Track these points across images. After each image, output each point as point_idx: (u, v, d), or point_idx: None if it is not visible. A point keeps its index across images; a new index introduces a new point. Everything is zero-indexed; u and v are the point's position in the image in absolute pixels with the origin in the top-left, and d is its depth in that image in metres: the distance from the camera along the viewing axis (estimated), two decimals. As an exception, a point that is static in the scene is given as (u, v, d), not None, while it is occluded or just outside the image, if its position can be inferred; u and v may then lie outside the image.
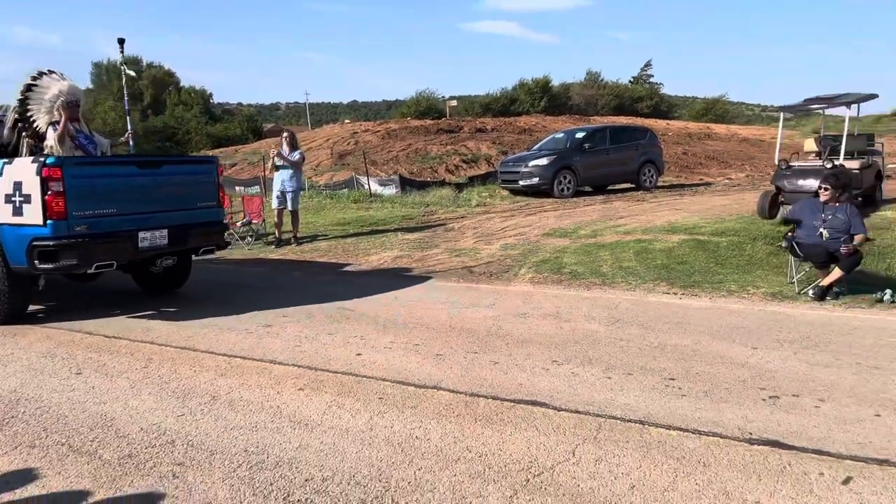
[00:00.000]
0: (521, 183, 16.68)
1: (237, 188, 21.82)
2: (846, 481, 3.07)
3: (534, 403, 4.10)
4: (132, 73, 12.45)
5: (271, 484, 3.21)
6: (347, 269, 9.29)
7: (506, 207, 15.03)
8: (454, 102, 49.23)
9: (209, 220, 7.44)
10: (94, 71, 63.07)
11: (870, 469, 3.18)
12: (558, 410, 3.98)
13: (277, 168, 11.53)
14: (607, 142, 17.78)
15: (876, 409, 3.84)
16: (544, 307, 6.63)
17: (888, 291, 6.48)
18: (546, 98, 55.88)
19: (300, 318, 6.50)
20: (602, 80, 63.84)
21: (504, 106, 54.02)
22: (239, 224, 12.21)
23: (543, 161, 16.60)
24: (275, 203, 11.57)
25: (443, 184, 19.57)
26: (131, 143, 10.18)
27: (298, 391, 4.45)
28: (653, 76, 71.05)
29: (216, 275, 9.42)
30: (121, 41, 11.56)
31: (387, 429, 3.80)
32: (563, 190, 16.36)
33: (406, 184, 19.30)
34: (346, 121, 49.29)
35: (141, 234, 6.64)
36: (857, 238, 6.57)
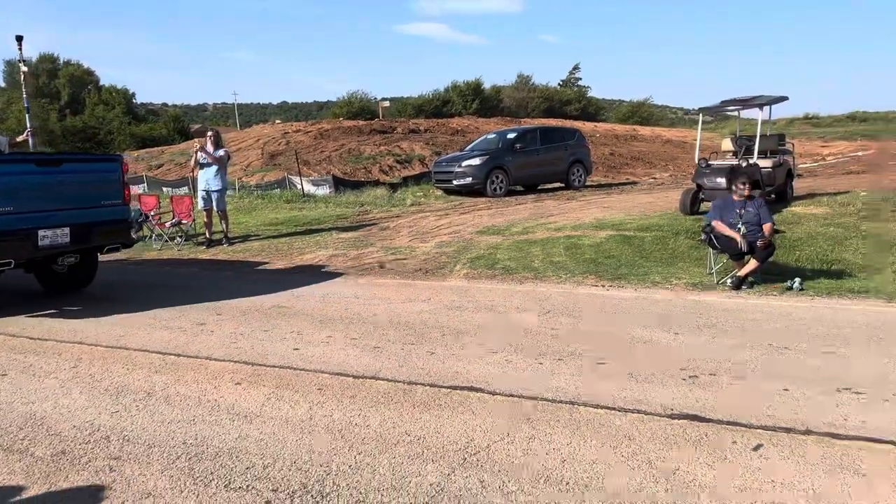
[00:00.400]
0: (454, 182, 16.88)
1: (164, 189, 21.29)
2: (756, 448, 3.33)
3: (470, 389, 4.24)
4: (25, 69, 12.44)
5: (212, 473, 3.23)
6: (282, 267, 9.24)
7: (440, 207, 15.19)
8: (387, 103, 49.24)
9: (113, 218, 7.37)
10: (7, 69, 60.10)
11: (778, 436, 3.45)
12: (493, 395, 4.13)
13: (201, 166, 11.29)
14: (538, 142, 18.18)
15: (784, 385, 4.15)
16: (479, 301, 6.80)
17: (797, 280, 6.93)
18: (478, 100, 56.58)
19: (234, 315, 6.46)
20: (532, 83, 65.05)
21: (437, 107, 54.38)
22: (168, 224, 11.93)
23: (476, 161, 16.85)
24: (200, 203, 11.35)
25: (377, 184, 19.61)
26: (31, 140, 10.00)
27: (236, 385, 4.46)
28: (581, 79, 72.92)
29: (145, 276, 9.21)
30: (18, 38, 11.32)
31: (326, 417, 3.87)
32: (495, 189, 16.65)
33: (340, 184, 19.24)
34: (278, 121, 48.57)
35: (41, 233, 6.52)
36: (766, 227, 7.01)
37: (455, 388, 4.27)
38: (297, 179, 19.54)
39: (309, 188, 19.00)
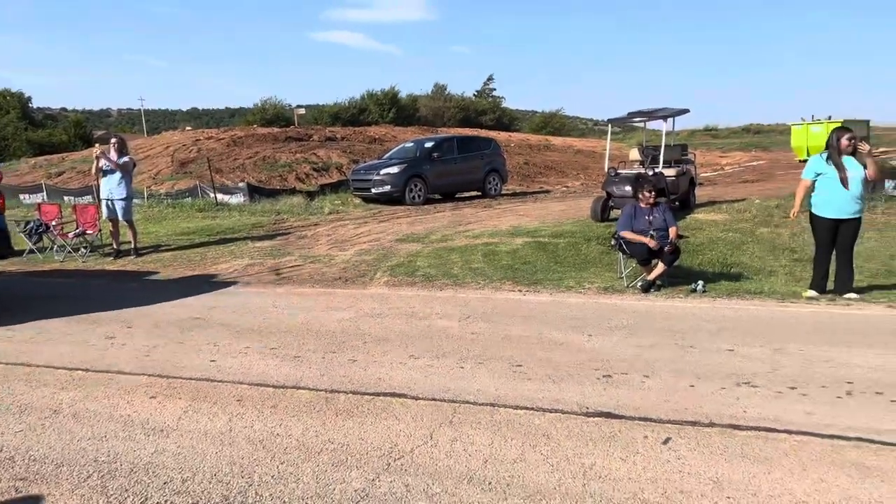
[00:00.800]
0: (373, 191, 16.86)
1: (66, 198, 20.21)
2: (666, 441, 3.52)
3: (392, 395, 4.27)
4: None
5: (126, 490, 3.13)
6: (195, 278, 8.97)
7: (359, 215, 15.14)
8: (302, 111, 48.57)
9: None
10: None
11: (685, 430, 3.65)
12: (416, 399, 4.18)
13: (104, 174, 10.79)
14: (455, 151, 18.42)
15: (691, 381, 4.40)
16: (400, 307, 6.83)
17: (700, 283, 7.33)
18: (394, 109, 56.63)
19: (146, 328, 6.24)
20: (448, 93, 65.71)
21: (353, 115, 54.08)
22: (71, 235, 11.35)
23: (395, 169, 16.90)
24: (104, 213, 10.86)
25: (293, 192, 19.31)
26: None
27: (150, 399, 4.32)
28: (495, 90, 74.24)
29: (47, 288, 8.73)
30: None
31: (247, 428, 3.81)
32: (414, 197, 16.74)
33: (255, 192, 18.83)
34: (188, 127, 47.02)
35: None
36: (672, 232, 7.38)
37: (378, 394, 4.30)
38: (209, 188, 18.99)
39: (222, 196, 18.51)
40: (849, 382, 4.26)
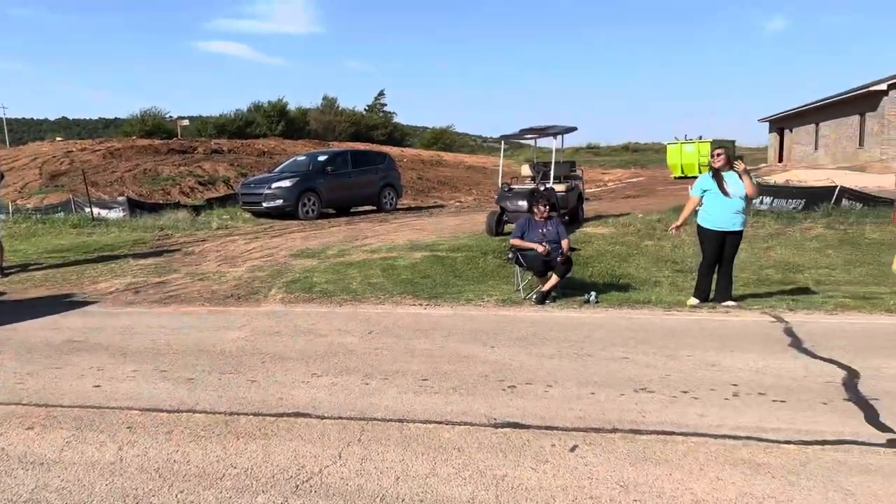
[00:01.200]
0: (264, 205, 16.39)
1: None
2: (573, 449, 3.60)
3: (297, 415, 4.13)
4: None
5: (3, 533, 2.84)
6: (70, 299, 8.35)
7: (249, 230, 14.65)
8: (186, 122, 46.64)
9: None
10: None
11: (590, 437, 3.75)
12: (322, 419, 4.06)
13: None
14: (349, 165, 18.26)
15: (591, 389, 4.53)
16: (298, 324, 6.65)
17: (592, 293, 7.60)
18: (283, 122, 55.48)
19: (18, 353, 5.73)
20: (338, 107, 65.15)
21: (240, 128, 52.49)
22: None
23: (287, 183, 16.52)
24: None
25: (178, 206, 18.46)
26: None
27: (27, 430, 3.95)
28: (386, 105, 74.21)
29: None
30: None
31: (140, 457, 3.56)
32: (307, 212, 16.43)
33: (135, 206, 17.85)
34: (58, 138, 43.91)
35: None
36: (564, 244, 7.64)
37: (281, 415, 4.14)
38: (84, 202, 17.80)
39: (99, 211, 17.40)
40: (734, 385, 4.54)
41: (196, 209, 18.04)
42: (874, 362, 4.96)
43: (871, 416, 3.94)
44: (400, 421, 4.00)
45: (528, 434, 3.79)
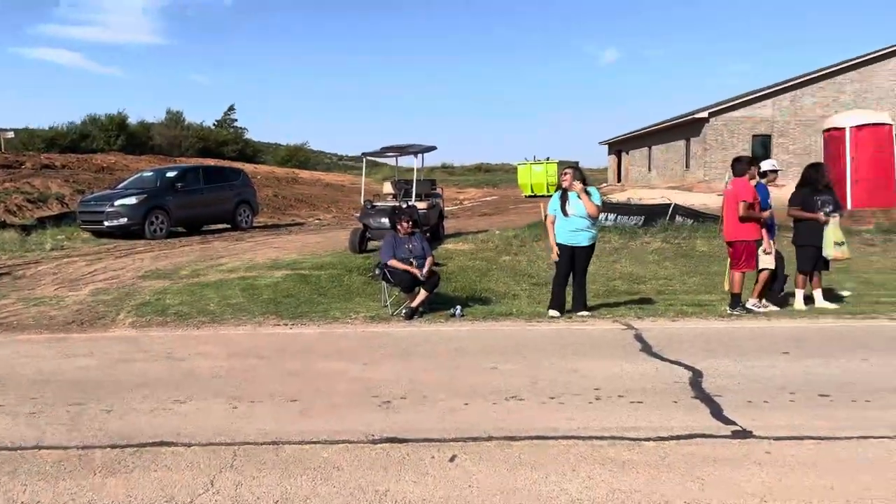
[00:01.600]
0: (106, 224, 15.25)
1: None
2: (452, 459, 3.65)
3: (160, 444, 3.86)
4: None
5: None
6: None
7: (90, 250, 13.55)
8: (10, 134, 42.31)
9: None
10: None
11: (468, 446, 3.82)
12: (188, 446, 3.83)
13: None
14: (201, 182, 17.45)
15: (465, 400, 4.62)
16: (154, 349, 6.23)
17: (458, 307, 7.77)
18: (123, 136, 51.99)
19: None
20: (185, 122, 62.09)
21: (74, 141, 48.52)
22: None
23: (132, 200, 15.49)
24: None
25: (4, 226, 16.70)
26: None
27: None
28: (237, 120, 71.59)
29: None
30: None
31: (-22, 503, 3.17)
32: (155, 231, 15.49)
33: (-49, 226, 15.93)
34: None
35: None
36: (429, 261, 7.76)
37: (143, 445, 3.86)
38: None
39: None
40: (596, 389, 4.82)
41: (25, 229, 16.43)
42: (713, 362, 5.46)
43: (716, 411, 4.33)
44: (274, 443, 3.87)
45: (406, 448, 3.80)
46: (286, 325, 7.28)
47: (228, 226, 17.95)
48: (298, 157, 65.61)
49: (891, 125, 18.31)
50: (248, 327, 7.22)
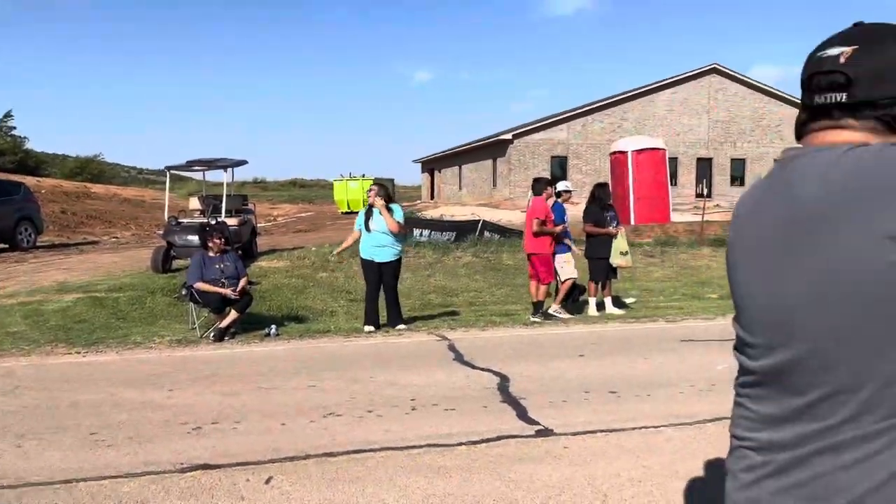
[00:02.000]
0: None
1: None
2: (268, 481, 3.57)
3: (-77, 496, 3.37)
4: None
5: None
6: None
7: None
8: None
9: None
10: None
11: (285, 466, 3.76)
12: (-40, 495, 3.38)
13: None
14: (-29, 196, 15.40)
15: (281, 420, 4.53)
16: (-89, 388, 5.40)
17: (273, 327, 7.59)
18: None
19: None
20: (-51, 128, 54.44)
21: None
22: None
23: None
24: None
25: None
26: None
27: None
28: (16, 128, 64.00)
29: None
30: None
31: None
32: (-89, 252, 13.39)
33: None
34: None
35: None
36: (243, 280, 7.51)
37: None
38: None
39: None
40: (412, 399, 4.95)
41: None
42: (519, 367, 5.84)
43: (522, 413, 4.64)
44: (67, 482, 3.53)
45: (219, 473, 3.65)
46: (79, 353, 6.66)
47: (6, 245, 15.99)
48: (90, 169, 60.06)
49: (664, 150, 20.74)
50: (34, 357, 6.51)
